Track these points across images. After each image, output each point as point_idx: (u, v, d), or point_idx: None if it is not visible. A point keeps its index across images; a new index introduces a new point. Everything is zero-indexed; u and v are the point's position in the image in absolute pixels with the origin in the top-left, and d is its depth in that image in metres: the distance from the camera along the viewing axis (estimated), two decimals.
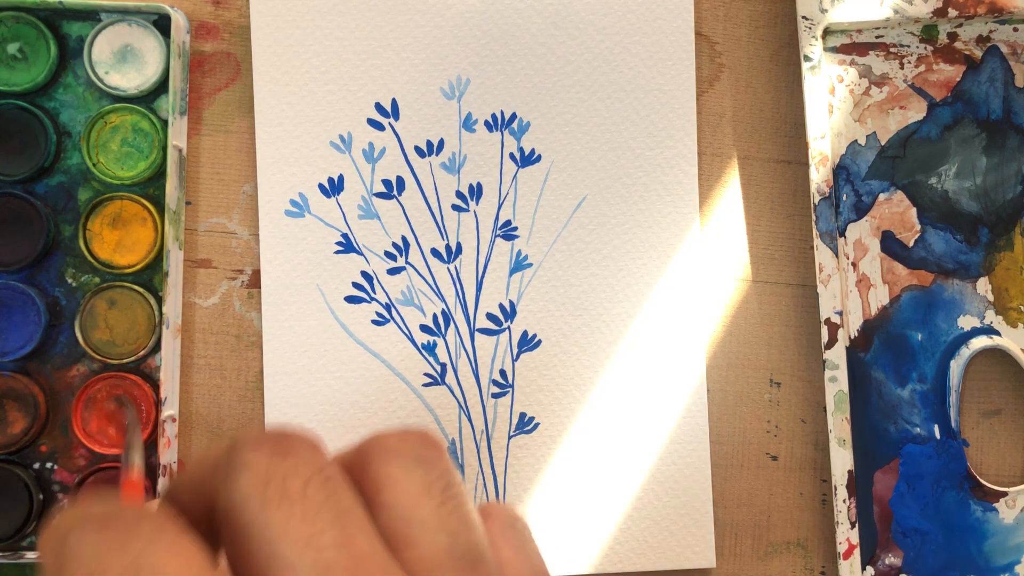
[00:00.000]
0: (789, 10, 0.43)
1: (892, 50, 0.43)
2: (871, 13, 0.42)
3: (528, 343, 0.43)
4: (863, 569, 0.42)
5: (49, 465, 0.42)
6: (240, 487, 0.18)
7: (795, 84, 0.44)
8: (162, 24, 0.42)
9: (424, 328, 0.42)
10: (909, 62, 0.43)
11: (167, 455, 0.41)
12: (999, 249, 0.42)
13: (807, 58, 0.42)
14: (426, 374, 0.42)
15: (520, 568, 0.20)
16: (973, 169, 0.43)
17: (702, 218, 0.43)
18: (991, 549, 0.42)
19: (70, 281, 0.42)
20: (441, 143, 0.43)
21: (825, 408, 0.42)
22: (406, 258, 0.43)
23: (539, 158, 0.43)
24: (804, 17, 0.42)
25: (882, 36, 0.43)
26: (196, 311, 0.43)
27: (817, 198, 0.41)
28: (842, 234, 0.42)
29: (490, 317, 0.43)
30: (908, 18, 0.42)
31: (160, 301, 0.41)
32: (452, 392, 0.42)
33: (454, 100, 0.43)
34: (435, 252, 0.43)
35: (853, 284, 0.42)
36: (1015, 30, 0.43)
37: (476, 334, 0.43)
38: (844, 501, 0.41)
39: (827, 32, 0.42)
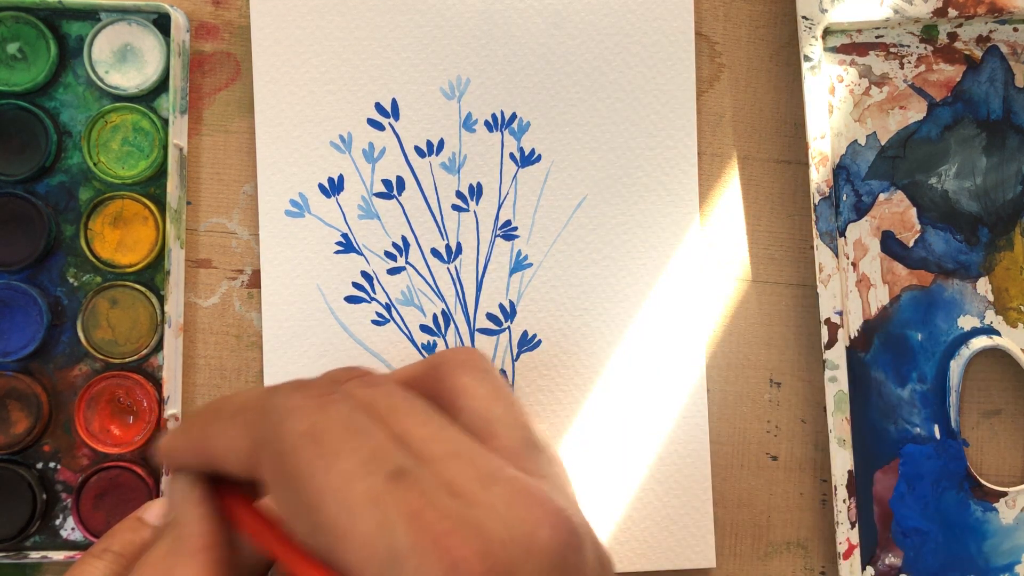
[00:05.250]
0: (789, 10, 0.43)
1: (892, 50, 0.43)
2: (871, 13, 0.42)
3: (528, 343, 0.43)
4: (863, 569, 0.42)
5: (52, 465, 0.42)
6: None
7: (795, 84, 0.44)
8: (162, 23, 0.42)
9: (424, 328, 0.43)
10: (909, 62, 0.43)
11: None
12: (999, 249, 0.42)
13: (807, 58, 0.42)
14: None
15: (510, 423, 0.24)
16: (973, 169, 0.43)
17: (702, 218, 0.43)
18: (991, 549, 0.42)
19: (72, 281, 0.42)
20: (441, 143, 0.43)
21: (825, 408, 0.42)
22: (406, 258, 0.43)
23: (539, 158, 0.43)
24: (804, 17, 0.42)
25: (882, 36, 0.43)
26: (196, 311, 0.43)
27: (817, 198, 0.41)
28: (842, 234, 0.42)
29: (490, 317, 0.43)
30: (908, 18, 0.42)
31: (162, 300, 0.41)
32: None
33: (454, 100, 0.43)
34: (435, 252, 0.43)
35: (853, 284, 0.42)
36: (1015, 30, 0.43)
37: (476, 334, 0.43)
38: (844, 501, 0.41)
39: (827, 32, 0.42)
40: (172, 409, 0.41)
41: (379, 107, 0.42)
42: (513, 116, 0.43)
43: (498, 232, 0.43)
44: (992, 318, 0.42)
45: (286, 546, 0.24)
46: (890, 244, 0.42)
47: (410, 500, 0.21)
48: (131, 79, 0.42)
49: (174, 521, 0.27)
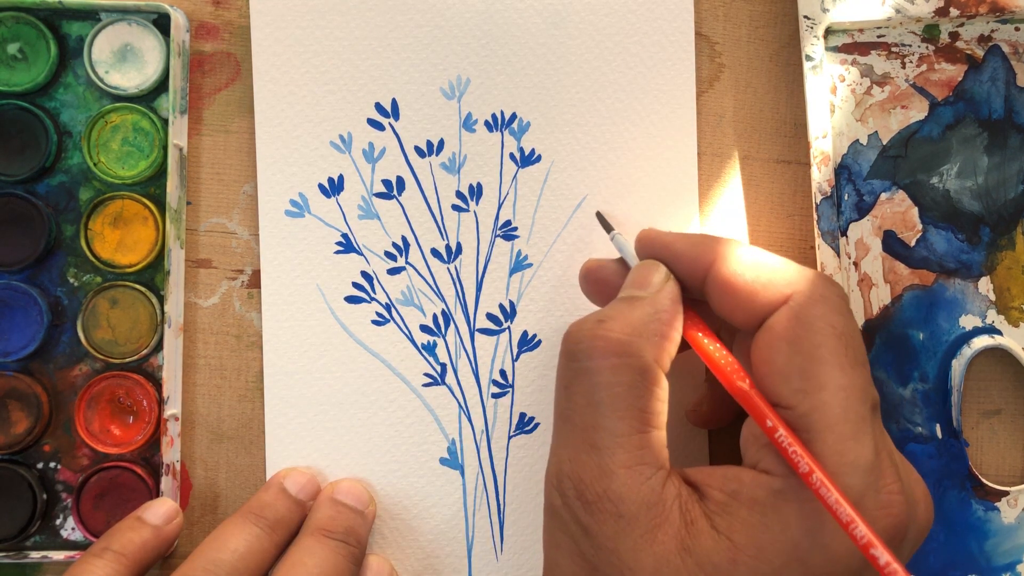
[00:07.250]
0: (790, 10, 0.43)
1: (894, 50, 0.43)
2: (873, 12, 0.41)
3: (528, 343, 0.43)
4: None
5: (52, 465, 0.42)
6: None
7: (795, 84, 0.44)
8: (162, 23, 0.42)
9: (424, 328, 0.43)
10: (911, 61, 0.43)
11: (170, 454, 0.41)
12: (1001, 248, 0.42)
13: (809, 57, 0.41)
14: (426, 374, 0.42)
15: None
16: (975, 168, 0.42)
17: (702, 218, 0.43)
18: (992, 548, 0.42)
19: (72, 281, 0.42)
20: (441, 143, 0.43)
21: None
22: (406, 258, 0.43)
23: (539, 158, 0.43)
24: (806, 17, 0.41)
25: (884, 36, 0.43)
26: (196, 311, 0.43)
27: (819, 197, 0.41)
28: (844, 234, 0.42)
29: (490, 317, 0.43)
30: (910, 17, 0.42)
31: (162, 300, 0.41)
32: (452, 392, 0.42)
33: (454, 100, 0.43)
34: (435, 252, 0.43)
35: (855, 284, 0.42)
36: (1016, 29, 0.42)
37: (476, 334, 0.43)
38: None
39: (828, 32, 0.42)
40: (172, 409, 0.41)
41: (379, 107, 0.42)
42: (513, 116, 0.43)
43: (498, 232, 0.43)
44: (994, 317, 0.42)
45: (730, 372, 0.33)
46: (892, 243, 0.42)
47: (878, 432, 0.31)
48: (131, 79, 0.42)
49: (651, 298, 0.34)
